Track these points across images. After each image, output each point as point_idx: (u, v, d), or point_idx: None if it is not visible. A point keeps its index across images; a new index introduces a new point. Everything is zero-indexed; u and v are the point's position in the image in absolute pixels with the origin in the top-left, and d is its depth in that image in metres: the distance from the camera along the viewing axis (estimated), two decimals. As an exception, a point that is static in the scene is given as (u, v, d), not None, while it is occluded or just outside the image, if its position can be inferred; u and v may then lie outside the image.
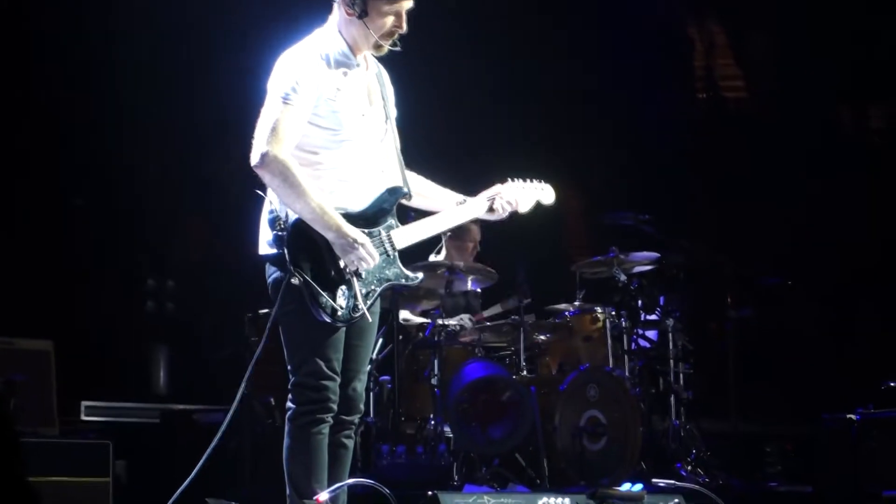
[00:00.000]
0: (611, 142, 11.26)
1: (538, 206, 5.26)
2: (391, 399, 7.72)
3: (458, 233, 8.49)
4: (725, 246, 8.76)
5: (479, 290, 8.68)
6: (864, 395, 7.94)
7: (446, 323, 7.98)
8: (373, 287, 4.66)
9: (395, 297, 7.61)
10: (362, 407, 4.85)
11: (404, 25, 4.70)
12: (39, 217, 9.60)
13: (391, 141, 4.87)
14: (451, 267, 7.89)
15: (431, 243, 8.53)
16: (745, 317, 8.62)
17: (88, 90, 9.69)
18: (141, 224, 10.21)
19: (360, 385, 4.80)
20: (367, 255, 4.56)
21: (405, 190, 4.82)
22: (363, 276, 4.60)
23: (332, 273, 4.56)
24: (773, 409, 9.80)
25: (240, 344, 8.08)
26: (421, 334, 8.02)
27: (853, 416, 7.57)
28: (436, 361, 7.68)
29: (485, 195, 5.08)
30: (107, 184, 9.94)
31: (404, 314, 8.24)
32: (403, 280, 4.76)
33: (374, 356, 7.86)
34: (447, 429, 7.63)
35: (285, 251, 4.51)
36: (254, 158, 4.50)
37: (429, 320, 8.08)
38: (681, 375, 8.30)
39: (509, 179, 5.17)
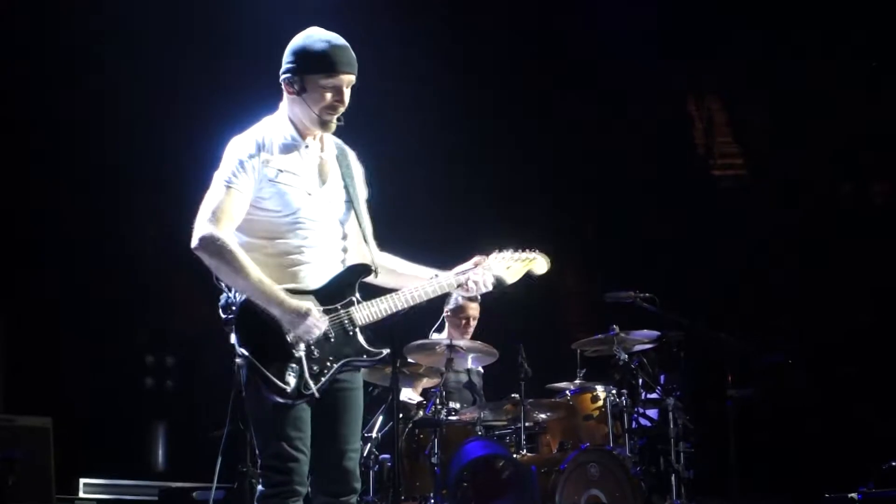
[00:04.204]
0: (611, 221, 11.30)
1: (529, 276, 5.02)
2: (391, 478, 7.66)
3: (455, 309, 8.53)
4: (725, 324, 8.74)
5: (480, 368, 8.66)
6: (865, 474, 7.92)
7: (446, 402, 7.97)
8: (327, 364, 4.52)
9: (395, 374, 7.55)
10: (357, 486, 4.67)
11: (346, 100, 4.64)
12: (39, 295, 9.62)
13: (353, 219, 4.78)
14: (451, 345, 7.89)
15: (432, 320, 8.64)
16: (745, 395, 8.58)
17: (86, 169, 9.80)
18: (140, 301, 10.22)
19: (352, 463, 4.65)
20: (312, 326, 4.45)
21: (369, 267, 4.73)
22: (315, 353, 4.50)
23: (280, 351, 4.46)
24: (775, 488, 9.74)
25: (238, 422, 8.03)
26: (421, 412, 7.99)
27: (855, 496, 7.54)
28: (436, 440, 7.65)
29: (456, 270, 4.85)
30: (107, 262, 9.97)
31: (405, 392, 8.22)
32: (365, 356, 4.63)
33: (375, 434, 7.84)
34: (447, 508, 7.59)
35: (234, 333, 4.48)
36: (193, 241, 4.51)
37: (424, 400, 8.09)
38: (682, 454, 8.24)
39: (496, 250, 4.95)
